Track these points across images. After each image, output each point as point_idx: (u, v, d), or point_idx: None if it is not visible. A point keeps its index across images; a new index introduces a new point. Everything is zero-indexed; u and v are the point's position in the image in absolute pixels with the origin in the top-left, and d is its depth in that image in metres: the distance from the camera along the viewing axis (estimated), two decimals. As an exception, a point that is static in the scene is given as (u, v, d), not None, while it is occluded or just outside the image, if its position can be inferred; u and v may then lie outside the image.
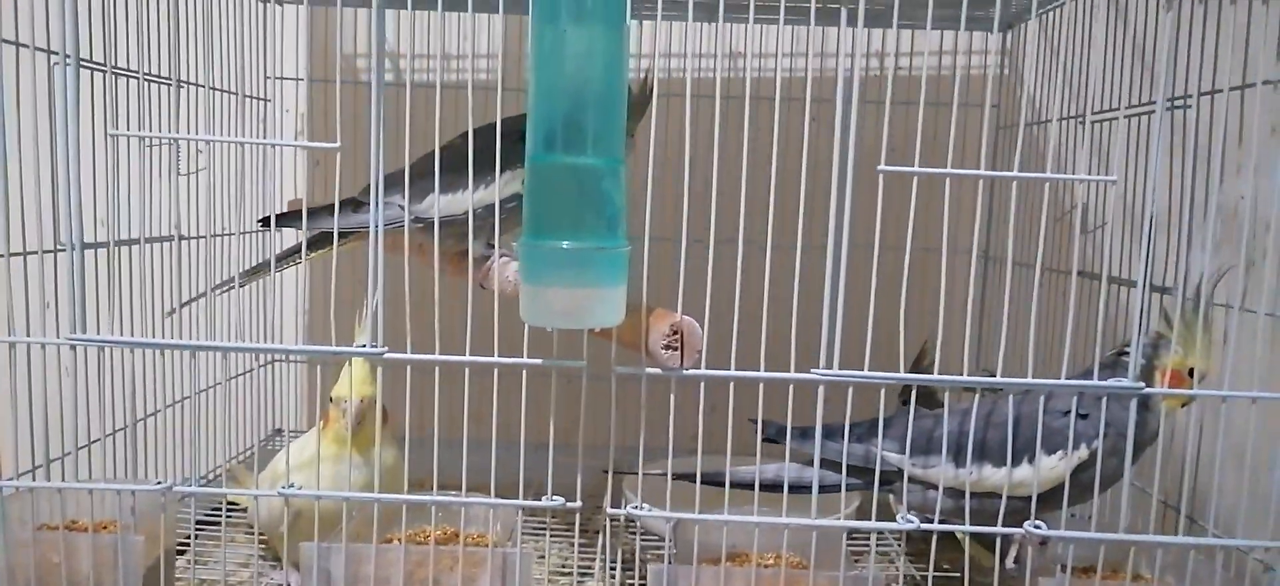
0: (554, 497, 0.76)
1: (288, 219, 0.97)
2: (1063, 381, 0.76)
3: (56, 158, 0.73)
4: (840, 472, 0.87)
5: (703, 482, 0.85)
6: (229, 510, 1.03)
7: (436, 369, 0.76)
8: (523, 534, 0.90)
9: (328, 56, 1.35)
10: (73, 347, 0.75)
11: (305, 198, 1.34)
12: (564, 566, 1.02)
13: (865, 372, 0.74)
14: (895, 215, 0.74)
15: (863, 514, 1.08)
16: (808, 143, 0.74)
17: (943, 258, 0.75)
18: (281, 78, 1.31)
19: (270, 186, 1.27)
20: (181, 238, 0.77)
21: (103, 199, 0.76)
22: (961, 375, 0.75)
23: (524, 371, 0.75)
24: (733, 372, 0.75)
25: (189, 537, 0.91)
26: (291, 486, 0.76)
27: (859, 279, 0.74)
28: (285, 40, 1.30)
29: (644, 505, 0.77)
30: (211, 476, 1.15)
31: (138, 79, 0.80)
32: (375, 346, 0.75)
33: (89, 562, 0.74)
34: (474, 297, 0.76)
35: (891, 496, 0.89)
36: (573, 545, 1.03)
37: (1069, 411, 0.80)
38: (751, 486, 0.85)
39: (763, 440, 0.86)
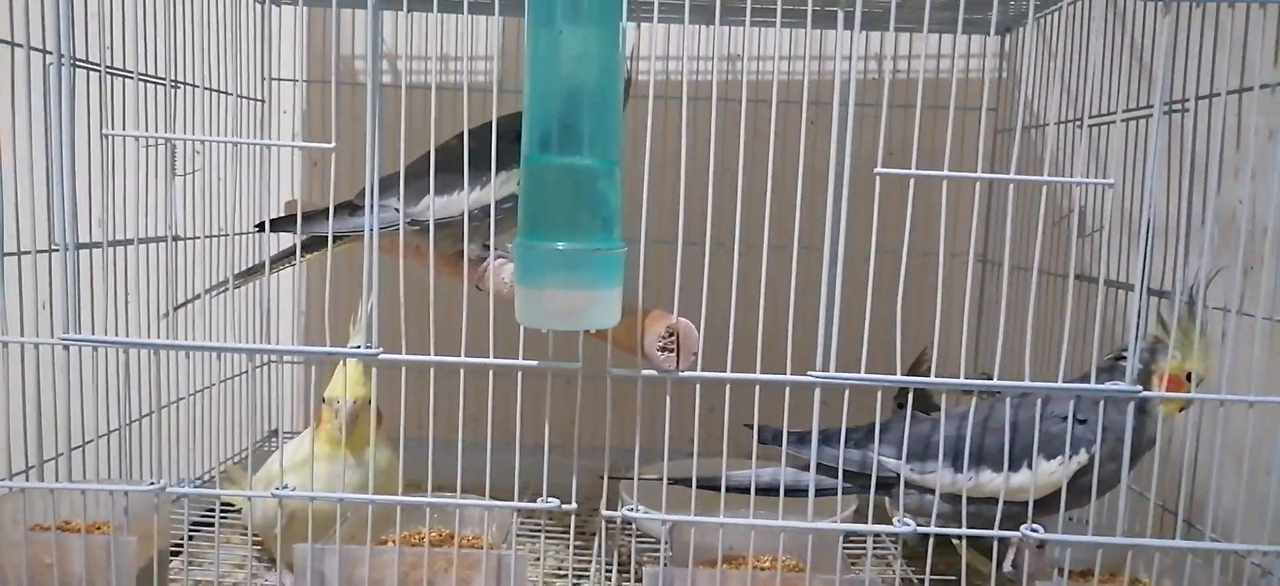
0: (549, 500, 0.76)
1: (284, 223, 0.97)
2: (1060, 385, 0.76)
3: (51, 157, 0.72)
4: (837, 477, 0.87)
5: (698, 487, 0.85)
6: (224, 511, 1.03)
7: (432, 370, 0.75)
8: (518, 536, 0.90)
9: (325, 57, 1.34)
10: (66, 347, 0.75)
11: (301, 199, 1.34)
12: (560, 569, 1.02)
13: (861, 375, 0.73)
14: (893, 218, 0.73)
15: (860, 517, 1.08)
16: (805, 145, 0.74)
17: (940, 261, 0.75)
18: (279, 79, 1.31)
19: (266, 187, 1.28)
20: (176, 239, 0.76)
21: (98, 199, 0.76)
22: (959, 379, 0.75)
23: (519, 373, 0.75)
24: (728, 375, 0.74)
25: (183, 539, 0.91)
26: (285, 488, 0.76)
27: (856, 282, 0.73)
28: (282, 41, 1.30)
29: (639, 507, 0.77)
30: (206, 478, 1.15)
31: (133, 79, 0.79)
32: (371, 347, 0.75)
33: (81, 563, 0.73)
34: (470, 299, 0.76)
35: (887, 500, 0.89)
36: (568, 547, 1.03)
37: (1067, 416, 0.79)
38: (747, 490, 0.85)
39: (759, 444, 0.86)
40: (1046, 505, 0.80)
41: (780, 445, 0.87)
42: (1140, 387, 0.75)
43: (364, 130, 0.72)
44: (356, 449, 0.87)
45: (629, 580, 0.98)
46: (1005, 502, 0.78)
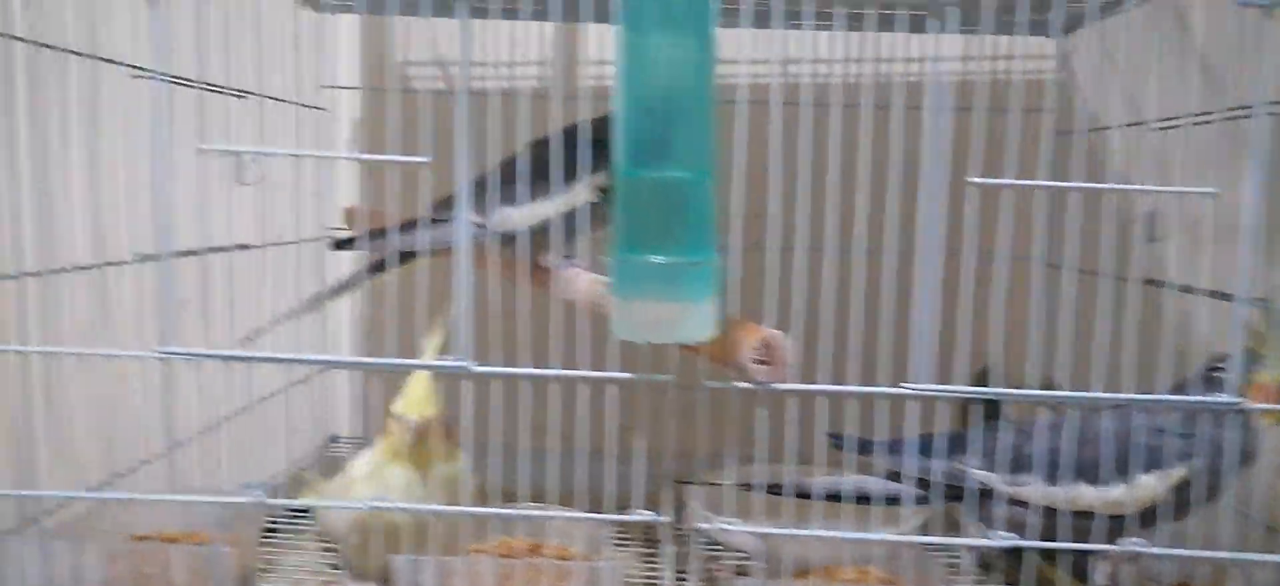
0: (643, 511, 0.76)
1: (361, 239, 0.96)
2: (1162, 397, 0.75)
3: (153, 172, 0.73)
4: (920, 487, 0.86)
5: (772, 493, 0.84)
6: (296, 516, 1.04)
7: (520, 383, 0.75)
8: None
9: (384, 65, 1.35)
10: (163, 360, 0.75)
11: (359, 205, 1.35)
12: (652, 581, 1.01)
13: (958, 388, 0.73)
14: (952, 221, 0.73)
15: (929, 529, 1.06)
16: (868, 149, 0.73)
17: (1021, 266, 0.74)
18: (337, 86, 1.32)
19: (328, 196, 1.29)
20: (244, 247, 0.77)
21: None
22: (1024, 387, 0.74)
23: (607, 385, 0.75)
24: (822, 387, 0.74)
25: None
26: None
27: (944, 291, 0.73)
28: (339, 49, 1.31)
29: (728, 519, 0.77)
30: (275, 484, 1.16)
31: (200, 90, 0.80)
32: (460, 360, 0.75)
33: (185, 573, 0.74)
34: (551, 308, 0.76)
35: (961, 510, 0.88)
36: (647, 558, 1.03)
37: (1165, 428, 0.78)
38: (827, 498, 0.84)
39: (854, 453, 0.85)
40: (1141, 519, 0.79)
41: (865, 454, 0.86)
42: (1242, 399, 0.74)
43: (421, 138, 0.72)
44: (424, 463, 0.87)
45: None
46: (1099, 517, 0.77)
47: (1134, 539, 0.75)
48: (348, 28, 1.35)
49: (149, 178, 0.77)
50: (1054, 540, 0.77)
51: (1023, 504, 0.81)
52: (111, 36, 0.80)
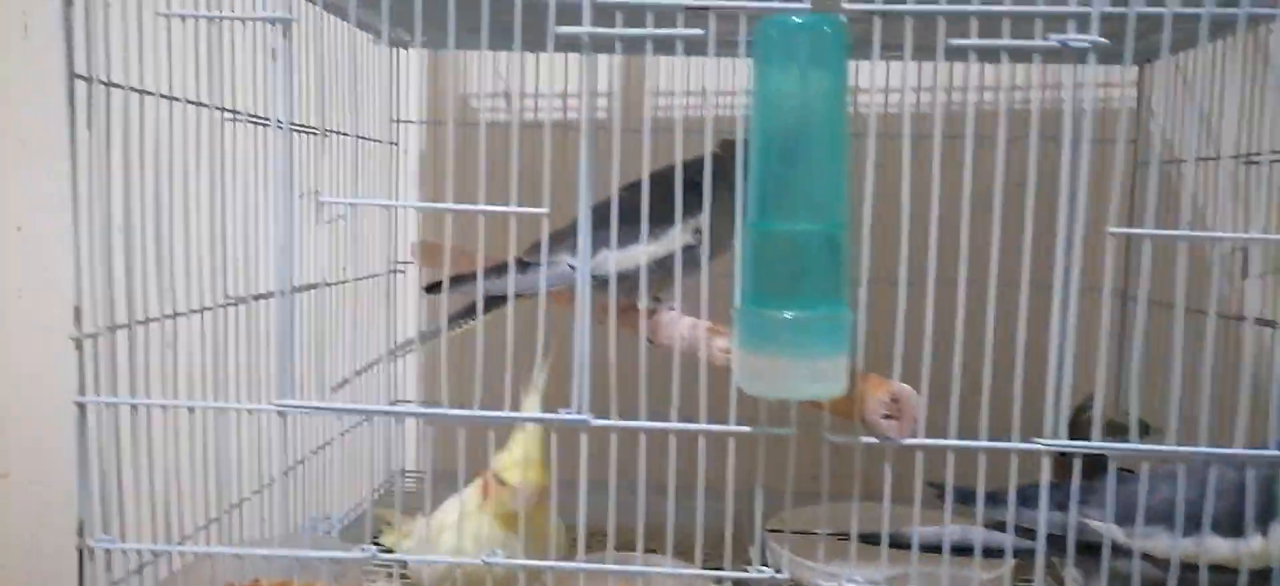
0: (762, 568, 0.74)
1: (456, 282, 0.95)
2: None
3: (279, 216, 0.72)
4: (1030, 538, 0.83)
5: (866, 540, 0.82)
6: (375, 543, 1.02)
7: (642, 435, 0.74)
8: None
9: (447, 99, 1.35)
10: (282, 414, 0.74)
11: (431, 241, 1.34)
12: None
13: (1093, 443, 0.71)
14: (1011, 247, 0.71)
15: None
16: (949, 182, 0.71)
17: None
18: (408, 121, 1.31)
19: (396, 234, 1.28)
20: (347, 282, 0.76)
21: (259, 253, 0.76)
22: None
23: (731, 439, 0.74)
24: (953, 442, 0.72)
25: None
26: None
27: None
28: (407, 84, 1.31)
29: (855, 578, 0.75)
30: (349, 520, 1.16)
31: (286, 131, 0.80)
32: (579, 413, 0.74)
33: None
34: (652, 356, 0.74)
35: (1067, 566, 0.85)
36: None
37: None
38: (928, 549, 0.82)
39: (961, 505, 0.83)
40: (1262, 575, 0.77)
41: (967, 503, 0.83)
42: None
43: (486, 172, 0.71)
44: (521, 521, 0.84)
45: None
46: (1229, 571, 0.75)
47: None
48: (416, 62, 1.34)
49: (240, 222, 0.76)
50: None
51: (1143, 557, 0.78)
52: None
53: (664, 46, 0.71)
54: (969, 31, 0.69)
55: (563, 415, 0.74)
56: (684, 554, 0.81)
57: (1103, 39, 0.67)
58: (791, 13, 0.65)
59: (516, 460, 0.81)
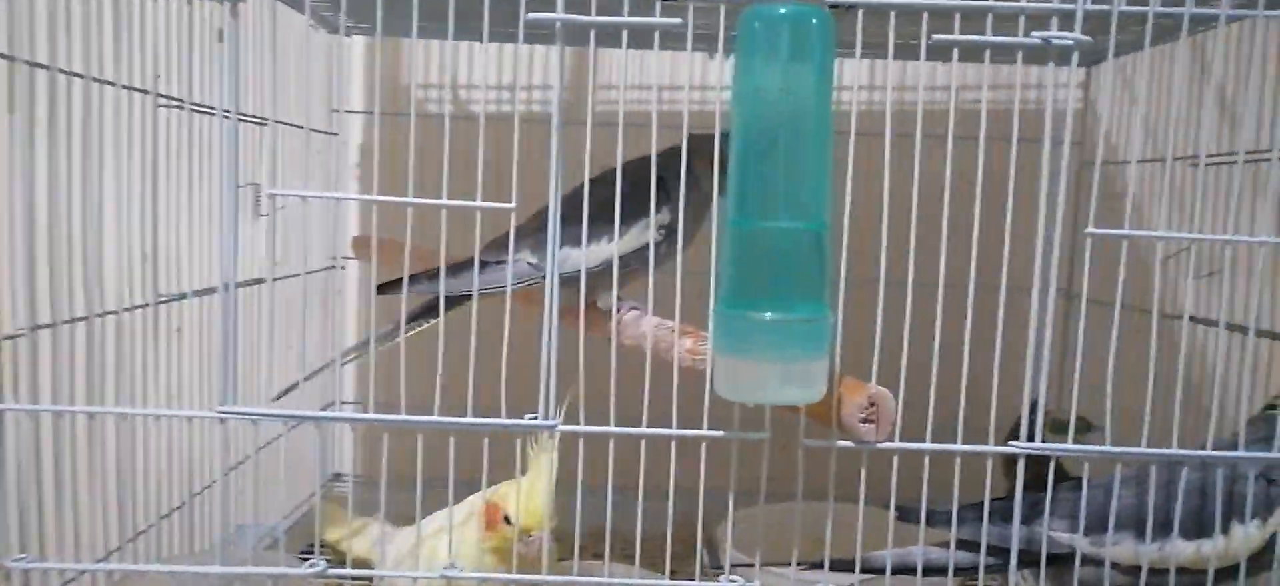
0: (732, 579, 0.71)
1: (406, 282, 0.90)
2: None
3: (224, 208, 0.67)
4: (990, 553, 0.82)
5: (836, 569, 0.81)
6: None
7: (610, 441, 0.71)
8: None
9: (396, 89, 1.30)
10: (222, 421, 0.69)
11: (363, 233, 1.29)
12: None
13: (1071, 446, 0.70)
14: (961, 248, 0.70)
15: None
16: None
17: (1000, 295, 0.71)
18: (351, 111, 1.26)
19: (339, 226, 1.23)
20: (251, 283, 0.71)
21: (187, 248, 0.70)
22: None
23: (704, 444, 0.71)
24: (929, 446, 0.71)
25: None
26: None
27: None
28: (345, 72, 1.25)
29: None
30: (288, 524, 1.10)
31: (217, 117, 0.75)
32: (549, 418, 0.70)
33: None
34: (621, 359, 0.71)
35: (1026, 577, 0.85)
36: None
37: (1249, 476, 0.77)
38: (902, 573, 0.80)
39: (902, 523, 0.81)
40: (1225, 574, 0.78)
41: (933, 525, 0.82)
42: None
43: (434, 165, 0.67)
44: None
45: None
46: (1184, 572, 0.75)
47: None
48: (358, 50, 1.29)
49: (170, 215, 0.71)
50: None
51: (1103, 565, 0.78)
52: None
53: (640, 39, 0.68)
54: (952, 28, 0.67)
55: (529, 420, 0.70)
56: (651, 560, 0.78)
57: (1085, 37, 0.66)
58: (775, 3, 0.63)
59: (533, 505, 0.75)
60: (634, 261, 0.89)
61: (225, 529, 1.01)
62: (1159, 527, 0.77)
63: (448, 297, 0.89)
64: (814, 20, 0.62)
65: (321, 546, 0.97)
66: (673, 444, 0.71)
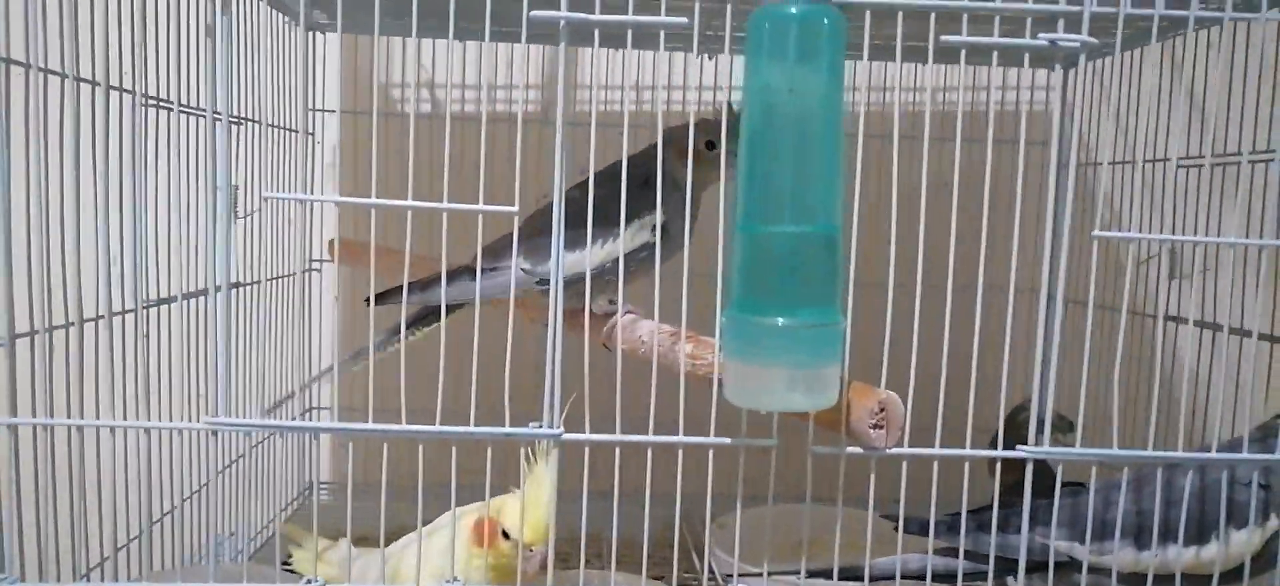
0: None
1: (392, 294, 0.87)
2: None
3: (213, 208, 0.64)
4: (982, 561, 0.82)
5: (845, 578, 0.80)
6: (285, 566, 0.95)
7: (617, 449, 0.69)
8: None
9: (368, 87, 1.27)
10: (215, 433, 0.67)
11: (339, 237, 1.26)
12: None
13: (1080, 450, 0.70)
14: (939, 248, 0.69)
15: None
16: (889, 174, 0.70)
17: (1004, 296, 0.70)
18: (322, 109, 1.23)
19: (313, 229, 1.20)
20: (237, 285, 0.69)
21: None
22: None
23: (710, 451, 0.70)
24: (938, 451, 0.70)
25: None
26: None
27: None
28: (320, 70, 1.22)
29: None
30: (262, 538, 1.08)
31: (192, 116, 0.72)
32: (553, 427, 0.69)
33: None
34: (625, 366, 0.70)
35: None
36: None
37: (1250, 482, 0.77)
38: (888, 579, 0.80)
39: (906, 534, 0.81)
40: (1225, 578, 0.78)
41: (925, 534, 0.81)
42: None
43: (420, 166, 0.66)
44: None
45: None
46: (1188, 577, 0.75)
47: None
48: (332, 47, 1.26)
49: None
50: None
51: (1104, 572, 0.78)
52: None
53: (645, 39, 0.66)
54: (944, 30, 0.67)
55: (533, 429, 0.68)
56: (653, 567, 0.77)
57: (1092, 38, 0.65)
58: (786, 2, 0.62)
59: (536, 518, 0.72)
60: (629, 264, 0.87)
61: (212, 541, 0.99)
62: (1155, 534, 0.77)
63: (437, 308, 0.87)
64: (825, 20, 0.61)
65: (287, 564, 0.95)
66: (680, 451, 0.70)
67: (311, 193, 1.18)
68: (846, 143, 0.64)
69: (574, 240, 0.85)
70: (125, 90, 0.68)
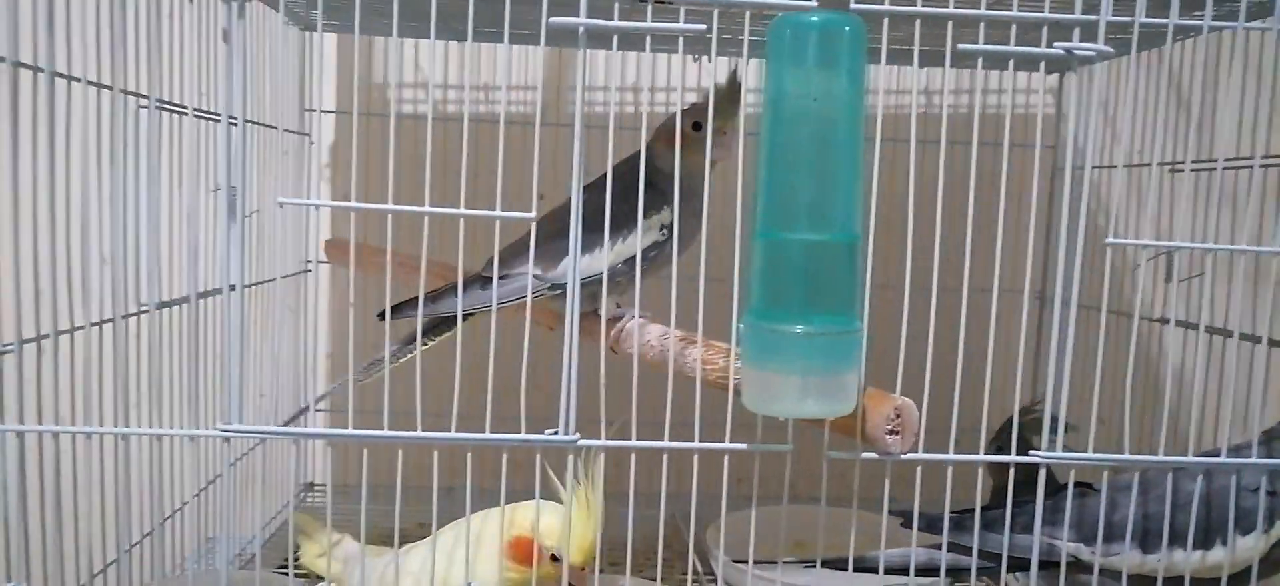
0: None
1: (404, 307, 0.87)
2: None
3: (236, 213, 0.64)
4: (987, 558, 0.82)
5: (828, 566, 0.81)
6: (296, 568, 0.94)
7: (633, 456, 0.69)
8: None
9: (367, 87, 1.27)
10: (226, 439, 0.66)
11: (333, 237, 1.25)
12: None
13: (1091, 455, 0.70)
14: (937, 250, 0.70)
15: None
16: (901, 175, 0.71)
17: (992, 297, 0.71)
18: (325, 111, 1.23)
19: (309, 231, 1.19)
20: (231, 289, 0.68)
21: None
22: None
23: (727, 457, 0.70)
24: (952, 456, 0.70)
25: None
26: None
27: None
28: (316, 70, 1.22)
29: None
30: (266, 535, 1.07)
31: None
32: (568, 434, 0.69)
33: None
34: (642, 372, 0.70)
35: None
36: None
37: (1257, 487, 0.78)
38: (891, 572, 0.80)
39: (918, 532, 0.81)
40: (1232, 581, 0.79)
41: (933, 530, 0.82)
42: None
43: (404, 162, 0.65)
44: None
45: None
46: (1193, 581, 0.76)
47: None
48: (330, 48, 1.26)
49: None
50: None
51: (1109, 574, 0.79)
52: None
53: (663, 42, 0.66)
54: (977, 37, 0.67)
55: (549, 436, 0.68)
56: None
57: (1108, 48, 0.66)
58: (805, 11, 0.62)
59: (584, 539, 0.72)
60: (629, 268, 0.87)
61: (201, 543, 0.98)
62: (1160, 538, 0.78)
63: (451, 315, 0.87)
64: (846, 28, 0.61)
65: (298, 567, 0.94)
66: (695, 457, 0.70)
67: (309, 196, 1.17)
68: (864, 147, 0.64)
69: (591, 242, 0.85)
70: (140, 96, 0.67)
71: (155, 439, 0.68)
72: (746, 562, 0.80)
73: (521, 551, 0.74)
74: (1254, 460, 0.75)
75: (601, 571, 0.75)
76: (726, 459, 0.70)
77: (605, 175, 0.79)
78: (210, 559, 1.00)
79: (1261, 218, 0.77)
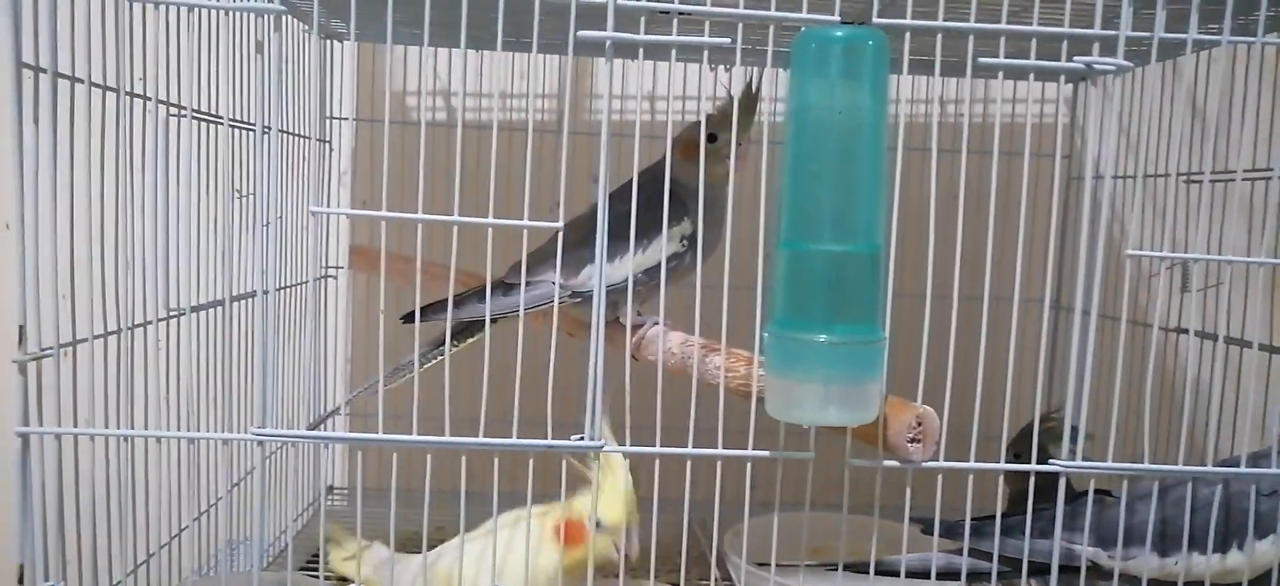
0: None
1: (435, 309, 0.87)
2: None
3: (263, 219, 0.65)
4: (1007, 564, 0.83)
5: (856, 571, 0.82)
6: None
7: (656, 461, 0.70)
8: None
9: (381, 95, 1.28)
10: (261, 443, 0.67)
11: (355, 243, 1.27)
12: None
13: (1112, 464, 0.71)
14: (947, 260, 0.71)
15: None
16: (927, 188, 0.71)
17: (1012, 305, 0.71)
18: (343, 118, 1.24)
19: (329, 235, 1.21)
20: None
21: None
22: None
23: (749, 463, 0.71)
24: (973, 465, 0.71)
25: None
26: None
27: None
28: (336, 79, 1.23)
29: None
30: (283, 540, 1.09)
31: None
32: (594, 439, 0.70)
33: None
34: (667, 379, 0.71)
35: None
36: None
37: (1275, 491, 0.78)
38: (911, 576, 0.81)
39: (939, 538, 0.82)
40: None
41: (952, 537, 0.83)
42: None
43: (415, 169, 0.67)
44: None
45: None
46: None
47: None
48: (350, 56, 1.27)
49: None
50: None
51: (1129, 579, 0.79)
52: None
53: (686, 51, 0.67)
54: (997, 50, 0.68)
55: (574, 441, 0.69)
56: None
57: (1127, 62, 0.67)
58: (830, 25, 0.63)
59: (619, 503, 0.74)
60: (653, 276, 0.88)
61: (257, 541, 0.99)
62: (1177, 541, 0.78)
63: (473, 321, 0.88)
64: (869, 42, 0.62)
65: (328, 572, 0.95)
66: (718, 463, 0.71)
67: (327, 204, 1.19)
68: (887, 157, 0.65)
69: (614, 249, 0.86)
70: (179, 107, 0.69)
71: (190, 442, 0.69)
72: (767, 566, 0.81)
73: (571, 532, 0.76)
74: (1274, 470, 0.75)
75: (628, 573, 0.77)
76: (749, 465, 0.71)
77: (625, 184, 0.80)
78: (236, 560, 1.01)
79: (1279, 229, 0.77)
